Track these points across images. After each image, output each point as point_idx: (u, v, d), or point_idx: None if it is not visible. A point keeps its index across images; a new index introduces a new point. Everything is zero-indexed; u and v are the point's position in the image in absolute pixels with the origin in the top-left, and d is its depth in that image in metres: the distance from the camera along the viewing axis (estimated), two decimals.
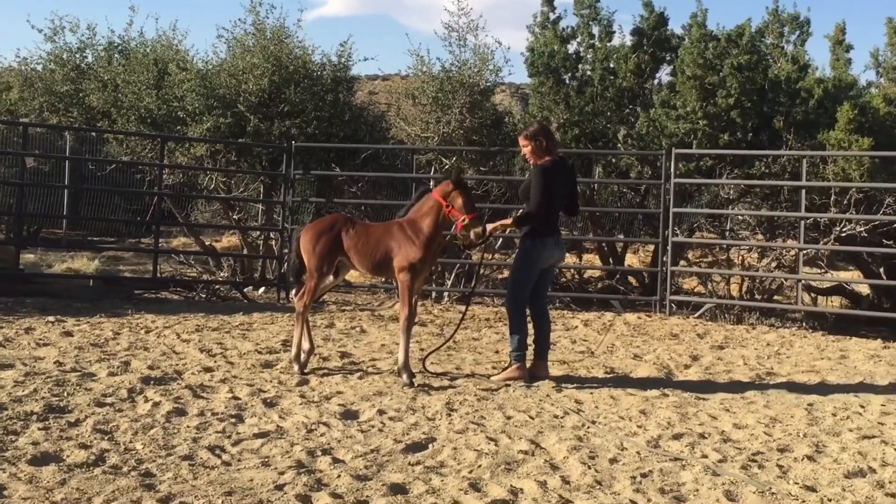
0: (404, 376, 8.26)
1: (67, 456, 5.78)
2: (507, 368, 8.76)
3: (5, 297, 12.12)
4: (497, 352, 10.21)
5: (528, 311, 8.77)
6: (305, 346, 8.80)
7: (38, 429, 6.31)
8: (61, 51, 17.96)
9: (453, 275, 15.22)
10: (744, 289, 15.07)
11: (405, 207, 8.64)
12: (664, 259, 14.06)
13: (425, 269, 8.64)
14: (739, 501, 5.39)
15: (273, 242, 16.14)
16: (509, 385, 8.43)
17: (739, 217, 15.60)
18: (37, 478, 5.33)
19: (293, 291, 9.04)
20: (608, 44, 16.22)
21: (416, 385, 8.17)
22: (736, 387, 8.75)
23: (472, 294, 11.52)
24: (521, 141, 8.83)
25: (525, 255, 8.65)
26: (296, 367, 8.59)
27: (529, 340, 8.74)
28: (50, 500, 4.97)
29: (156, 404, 7.14)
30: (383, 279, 15.05)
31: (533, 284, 8.73)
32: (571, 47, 16.34)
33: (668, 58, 16.30)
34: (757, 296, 14.71)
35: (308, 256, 8.59)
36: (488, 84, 16.18)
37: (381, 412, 7.22)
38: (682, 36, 16.11)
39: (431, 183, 13.31)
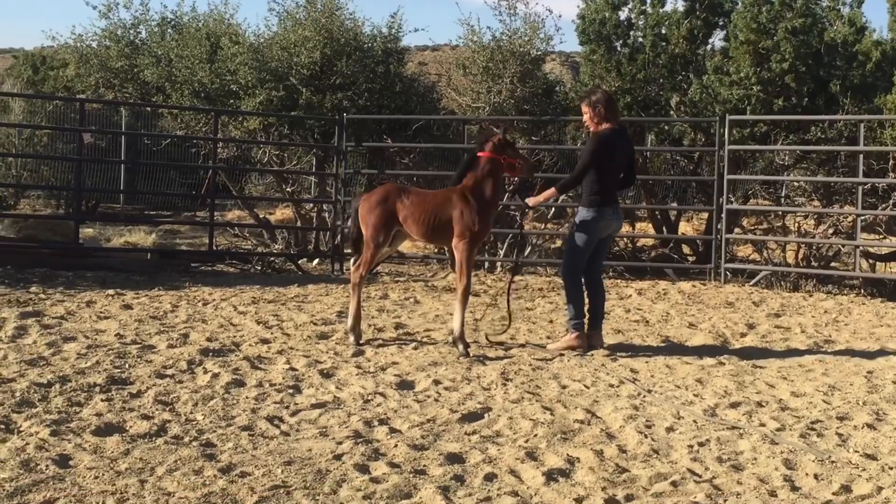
0: (460, 346, 8.29)
1: (130, 427, 5.89)
2: (563, 337, 8.77)
3: (66, 272, 12.32)
4: (551, 321, 10.22)
5: (583, 280, 8.76)
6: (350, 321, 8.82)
7: (102, 400, 6.43)
8: (115, 27, 18.11)
9: (505, 245, 15.20)
10: (800, 256, 14.90)
11: (456, 174, 8.63)
12: (718, 227, 13.93)
13: (484, 237, 8.69)
14: (798, 470, 5.36)
15: (326, 215, 16.23)
16: (565, 354, 8.45)
17: (795, 183, 15.40)
18: (101, 448, 5.44)
19: (353, 261, 9.08)
20: (660, 10, 16.02)
21: (471, 355, 8.21)
22: (793, 355, 8.68)
23: (522, 264, 11.50)
24: (583, 107, 8.81)
25: (584, 224, 8.62)
26: (352, 338, 8.63)
27: (585, 309, 8.73)
28: (114, 470, 5.07)
29: (215, 375, 7.25)
30: (437, 249, 15.12)
31: (590, 254, 8.72)
32: (623, 14, 16.17)
33: (720, 23, 16.07)
34: (814, 263, 14.54)
35: (365, 227, 8.62)
36: (539, 53, 16.07)
37: (436, 382, 7.26)
38: (735, 0, 15.87)
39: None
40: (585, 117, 8.79)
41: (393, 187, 8.92)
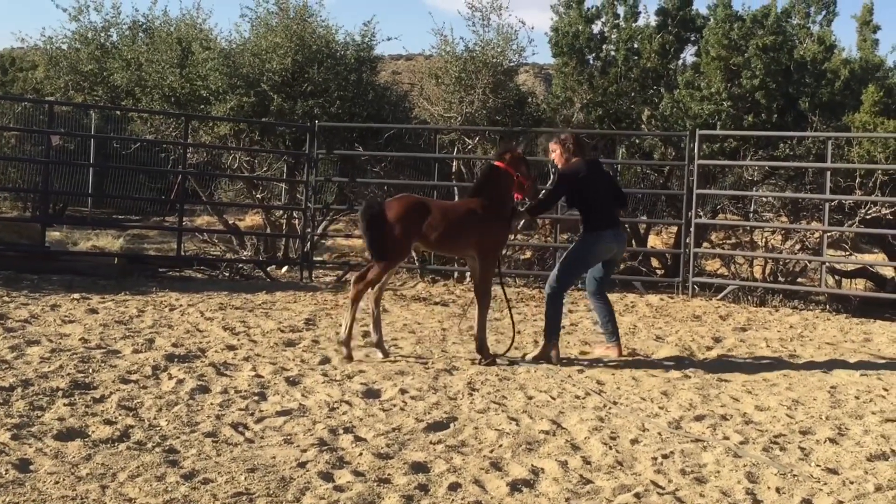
0: (487, 359, 8.35)
1: (93, 432, 5.84)
2: (541, 347, 8.83)
3: (31, 275, 12.22)
4: (519, 332, 10.21)
5: (565, 298, 9.02)
6: (374, 337, 8.61)
7: (64, 405, 6.38)
8: (86, 30, 18.00)
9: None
10: (767, 271, 15.01)
11: (474, 186, 8.66)
12: (687, 241, 14.01)
13: (502, 248, 8.81)
14: (761, 483, 5.39)
15: (296, 222, 16.18)
16: (540, 363, 8.54)
17: (763, 199, 15.53)
18: (62, 453, 5.40)
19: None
20: (633, 24, 16.14)
21: (496, 363, 8.34)
22: (758, 369, 8.73)
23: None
24: (551, 146, 9.16)
25: (584, 246, 8.86)
26: (345, 351, 8.30)
27: (566, 322, 8.83)
28: (75, 475, 5.03)
29: (180, 381, 7.20)
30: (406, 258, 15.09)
31: (581, 275, 9.08)
32: (596, 27, 16.29)
33: (692, 38, 16.22)
34: (780, 278, 14.66)
35: (388, 240, 8.21)
36: (512, 64, 16.12)
37: (402, 391, 7.25)
38: (707, 16, 16.01)
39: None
40: (554, 155, 9.02)
41: (413, 200, 8.59)
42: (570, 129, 15.41)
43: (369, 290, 8.47)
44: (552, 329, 8.74)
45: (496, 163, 8.54)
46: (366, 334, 9.59)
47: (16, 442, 5.52)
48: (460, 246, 8.58)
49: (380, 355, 8.49)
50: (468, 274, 14.67)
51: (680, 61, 16.37)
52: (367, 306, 8.65)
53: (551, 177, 13.90)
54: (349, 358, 8.22)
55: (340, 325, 8.70)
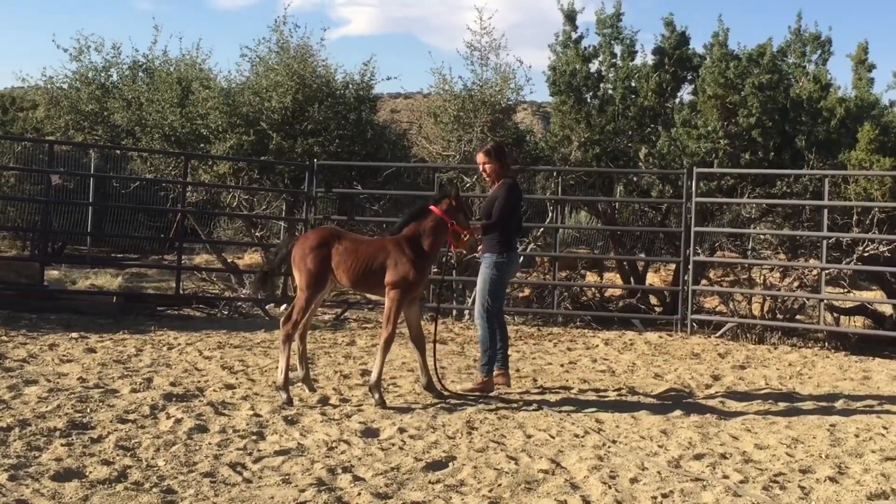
0: (375, 395, 8.12)
1: (90, 472, 5.82)
2: (482, 380, 8.86)
3: (30, 314, 12.21)
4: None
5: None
6: (300, 372, 8.54)
7: (62, 445, 6.36)
8: (87, 70, 18.11)
9: (475, 292, 15.19)
10: (765, 308, 15.00)
11: (399, 223, 8.51)
12: (685, 278, 14.02)
13: (418, 289, 8.53)
14: None
15: None
16: (490, 397, 8.62)
17: (761, 236, 15.56)
18: (59, 493, 5.38)
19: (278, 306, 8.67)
20: (630, 63, 16.23)
21: (387, 406, 8.06)
22: (757, 407, 8.71)
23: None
24: (481, 157, 9.05)
25: (499, 268, 8.83)
26: (284, 396, 8.05)
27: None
28: None
29: (178, 421, 7.19)
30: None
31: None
32: (593, 66, 16.36)
33: (689, 77, 16.31)
34: (779, 315, 14.64)
35: (299, 273, 8.27)
36: (510, 102, 16.22)
37: (401, 430, 7.23)
38: (704, 55, 16.10)
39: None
40: (488, 167, 9.01)
41: (329, 231, 8.63)
42: (568, 165, 15.49)
43: (299, 327, 8.35)
44: (498, 359, 8.81)
45: (431, 206, 8.44)
46: (364, 373, 9.58)
47: (13, 483, 5.50)
48: (367, 283, 8.35)
49: (307, 391, 8.43)
50: (467, 312, 14.69)
51: (677, 100, 16.44)
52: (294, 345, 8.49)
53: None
54: (289, 402, 7.98)
55: (277, 370, 8.50)
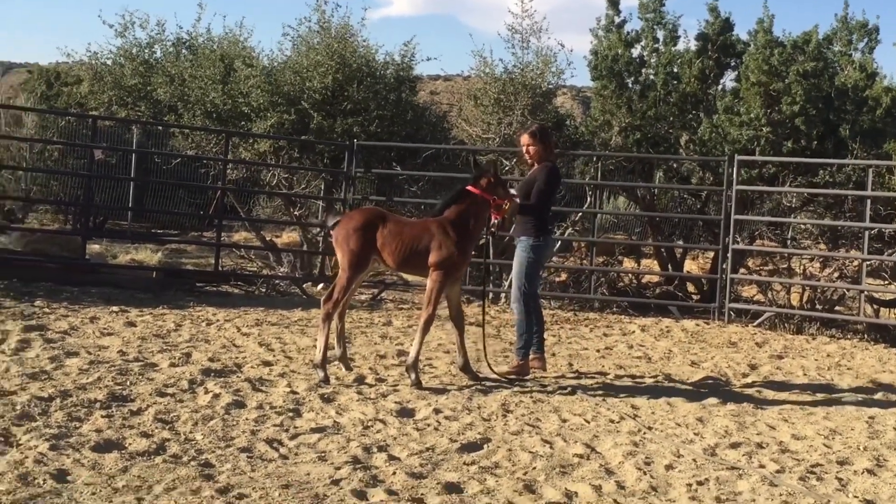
0: (412, 375, 8.16)
1: (129, 444, 5.90)
2: (518, 363, 8.87)
3: (71, 287, 12.34)
4: (554, 354, 10.19)
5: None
6: (337, 351, 8.60)
7: (102, 416, 6.45)
8: (131, 46, 18.21)
9: (511, 275, 15.19)
10: (804, 298, 14.87)
11: (440, 205, 8.52)
12: (724, 266, 13.93)
13: (461, 270, 8.58)
14: None
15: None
16: (525, 380, 8.62)
17: (802, 226, 15.41)
18: (99, 464, 5.46)
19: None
20: (672, 48, 16.09)
21: (423, 387, 8.09)
22: (795, 397, 8.66)
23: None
24: (527, 139, 9.00)
25: (535, 251, 8.84)
26: (321, 375, 8.13)
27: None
28: (111, 487, 5.08)
29: (216, 396, 7.26)
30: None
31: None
32: (635, 51, 16.24)
33: (732, 63, 16.14)
34: (818, 306, 14.50)
35: (342, 252, 8.30)
36: (550, 86, 16.16)
37: (436, 411, 7.26)
38: (748, 42, 15.93)
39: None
40: (531, 149, 8.99)
41: (374, 212, 8.69)
42: (607, 150, 15.42)
43: (339, 306, 8.41)
44: (534, 343, 8.84)
45: (469, 187, 8.42)
46: (400, 353, 9.62)
47: (54, 452, 5.59)
48: (412, 264, 8.41)
49: (343, 370, 8.48)
50: (503, 295, 14.68)
51: (719, 86, 16.29)
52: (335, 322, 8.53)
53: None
54: (325, 380, 8.04)
55: (314, 348, 8.58)
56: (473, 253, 9.14)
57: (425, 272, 8.35)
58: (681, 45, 16.20)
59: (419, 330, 8.25)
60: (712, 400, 8.23)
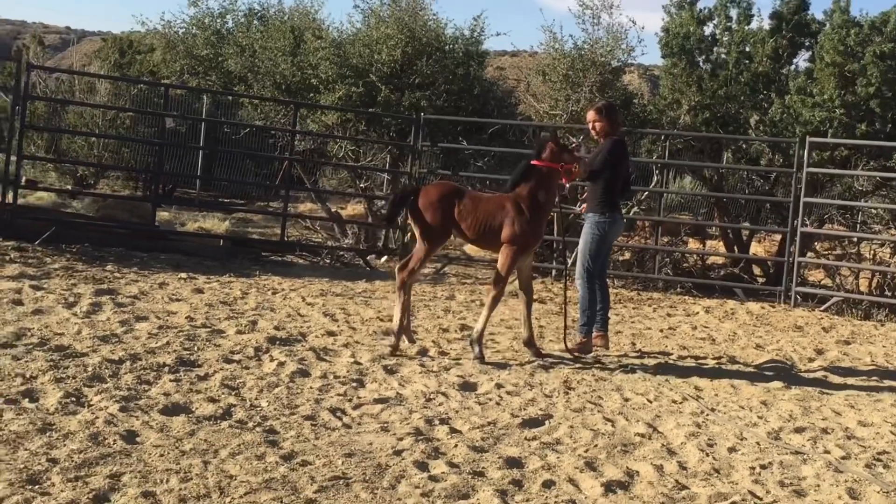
0: (476, 349, 8.20)
1: (196, 408, 6.01)
2: (581, 340, 8.84)
3: (141, 252, 12.55)
4: (618, 333, 10.16)
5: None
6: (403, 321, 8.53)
7: (170, 380, 6.57)
8: (203, 15, 18.39)
9: (574, 252, 15.15)
10: (873, 284, 14.63)
11: (510, 181, 8.50)
12: (791, 249, 13.75)
13: (533, 246, 8.60)
14: (862, 500, 5.29)
15: None
16: (582, 357, 8.59)
17: (873, 210, 15.15)
18: (167, 427, 5.56)
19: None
20: (746, 27, 15.85)
21: (486, 361, 8.12)
22: (862, 383, 8.54)
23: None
24: (593, 115, 8.97)
25: (601, 228, 8.78)
26: (394, 342, 8.20)
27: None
28: (179, 450, 5.18)
29: (281, 364, 7.35)
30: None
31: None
32: (707, 29, 16.02)
33: (806, 43, 15.85)
34: (887, 292, 14.27)
35: (422, 223, 8.31)
36: (619, 64, 16.01)
37: (498, 386, 7.29)
38: (823, 21, 15.63)
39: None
40: (598, 125, 8.93)
41: (451, 186, 8.76)
42: (676, 129, 15.26)
43: (413, 276, 8.48)
44: (598, 320, 8.79)
45: (534, 162, 8.38)
46: (462, 328, 9.65)
47: (124, 414, 5.71)
48: (487, 239, 8.48)
49: (406, 342, 8.48)
50: (567, 272, 14.63)
51: (792, 66, 16.03)
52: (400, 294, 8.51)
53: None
54: (396, 348, 8.14)
55: (391, 317, 8.61)
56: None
57: (498, 247, 8.40)
58: (754, 24, 15.97)
59: (487, 305, 8.30)
60: (777, 384, 8.15)
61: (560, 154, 8.33)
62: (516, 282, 8.72)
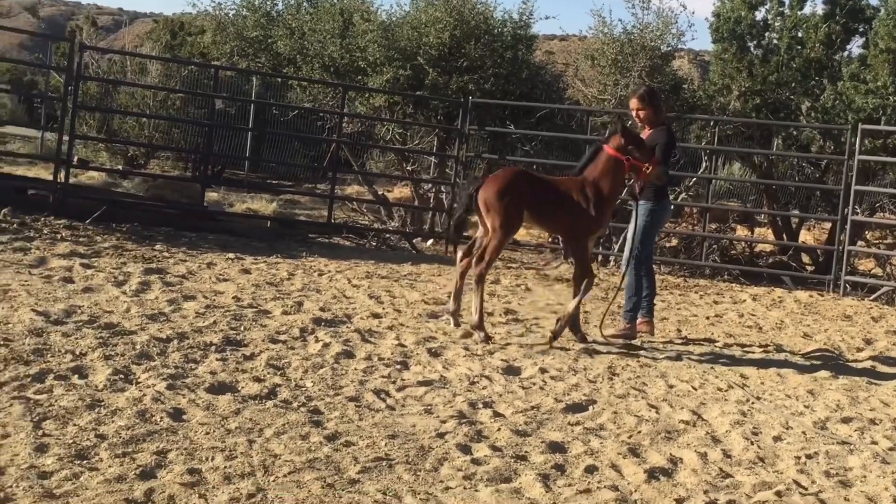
0: (578, 335, 8.32)
1: (242, 387, 6.06)
2: (626, 326, 8.84)
3: (189, 232, 12.65)
4: (664, 319, 10.11)
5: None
6: (452, 305, 8.61)
7: (216, 359, 6.63)
8: None
9: (621, 238, 15.10)
10: None
11: (579, 166, 8.49)
12: (841, 237, 13.58)
13: (598, 232, 8.60)
14: None
15: (443, 196, 16.33)
16: (633, 344, 8.57)
17: None
18: (213, 405, 5.62)
19: (453, 249, 8.78)
20: (798, 12, 15.65)
21: (587, 341, 8.24)
22: None
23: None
24: (636, 103, 8.87)
25: (651, 215, 8.77)
26: (481, 335, 8.14)
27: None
28: (225, 428, 5.24)
29: (326, 345, 7.39)
30: (551, 238, 15.13)
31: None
32: (759, 14, 15.85)
33: (861, 29, 15.62)
34: None
35: (492, 214, 8.15)
36: (669, 49, 15.90)
37: (542, 370, 7.28)
38: (878, 7, 15.39)
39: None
40: (641, 113, 8.86)
41: (518, 172, 8.66)
42: (725, 115, 15.12)
43: (490, 266, 8.49)
44: (643, 306, 8.79)
45: (604, 146, 8.31)
46: (507, 312, 9.65)
47: (171, 391, 5.77)
48: (556, 223, 8.60)
49: (451, 325, 8.49)
50: (612, 258, 14.59)
51: (846, 52, 15.81)
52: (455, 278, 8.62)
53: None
54: (487, 339, 8.09)
55: (471, 310, 8.53)
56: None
57: (565, 232, 8.51)
58: (807, 9, 15.80)
59: (580, 292, 8.26)
60: (824, 373, 8.06)
61: (627, 147, 8.20)
62: (563, 267, 8.72)
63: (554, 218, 8.40)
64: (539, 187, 8.32)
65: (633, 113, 8.97)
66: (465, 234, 8.96)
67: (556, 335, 8.18)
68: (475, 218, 8.54)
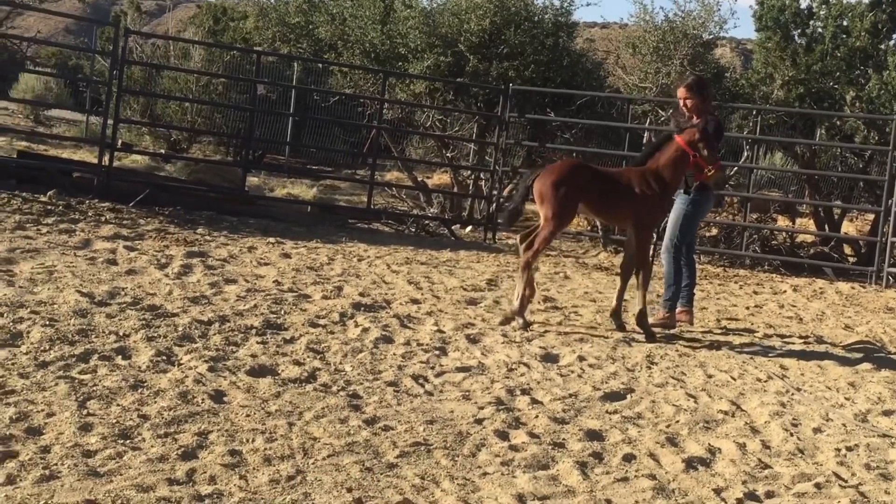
0: (646, 330, 8.30)
1: (282, 370, 6.12)
2: (664, 315, 8.79)
3: (230, 216, 12.74)
4: (703, 308, 10.06)
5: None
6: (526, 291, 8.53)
7: (257, 342, 6.70)
8: None
9: (660, 227, 15.02)
10: None
11: (643, 153, 8.49)
12: (885, 229, 13.44)
13: (660, 221, 8.61)
14: None
15: (483, 183, 16.33)
16: (671, 333, 8.56)
17: None
18: (254, 388, 5.69)
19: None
20: (844, 0, 15.48)
21: (657, 339, 8.24)
22: None
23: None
24: (684, 92, 8.76)
25: (693, 205, 8.71)
26: (521, 322, 8.16)
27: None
28: (265, 410, 5.30)
29: (365, 330, 7.44)
30: (589, 226, 15.10)
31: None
32: (804, 2, 15.69)
33: None
34: None
35: (547, 204, 8.15)
36: (711, 37, 15.77)
37: (581, 358, 7.28)
38: None
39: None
40: (689, 102, 8.71)
41: (575, 164, 8.74)
42: (768, 104, 14.99)
43: (539, 256, 8.49)
44: (683, 295, 8.74)
45: (676, 136, 8.27)
46: (545, 299, 9.65)
47: (212, 374, 5.84)
48: (616, 214, 8.65)
49: (520, 322, 8.33)
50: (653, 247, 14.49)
51: (892, 41, 15.61)
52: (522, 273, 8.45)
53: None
54: (526, 326, 8.11)
55: (514, 295, 8.55)
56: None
57: (624, 222, 8.54)
58: None
59: (640, 286, 8.33)
60: (866, 365, 8.00)
61: (698, 145, 8.17)
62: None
63: (617, 209, 8.43)
64: (598, 180, 8.31)
65: (681, 102, 8.89)
66: (518, 222, 8.98)
67: (650, 336, 8.25)
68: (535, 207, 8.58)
